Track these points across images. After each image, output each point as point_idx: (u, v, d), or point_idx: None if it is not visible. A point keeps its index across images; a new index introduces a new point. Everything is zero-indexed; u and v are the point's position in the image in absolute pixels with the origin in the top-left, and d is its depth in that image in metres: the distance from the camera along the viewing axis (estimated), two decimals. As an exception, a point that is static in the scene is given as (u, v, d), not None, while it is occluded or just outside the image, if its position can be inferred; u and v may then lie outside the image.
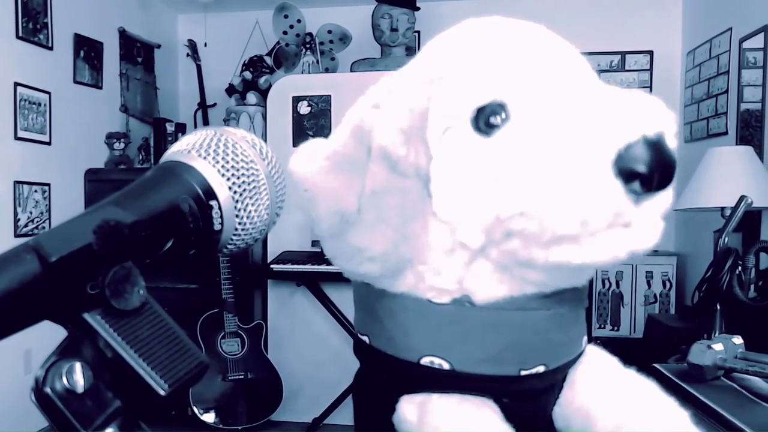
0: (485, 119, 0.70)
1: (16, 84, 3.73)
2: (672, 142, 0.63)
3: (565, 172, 0.63)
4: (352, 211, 0.73)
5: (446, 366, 0.76)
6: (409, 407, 0.78)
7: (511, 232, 0.68)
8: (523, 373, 0.77)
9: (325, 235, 0.77)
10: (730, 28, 3.85)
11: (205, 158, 0.55)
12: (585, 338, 0.86)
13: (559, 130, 0.65)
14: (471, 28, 0.77)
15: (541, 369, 0.78)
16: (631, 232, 0.64)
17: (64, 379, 0.43)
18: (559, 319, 0.79)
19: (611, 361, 0.89)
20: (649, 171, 0.61)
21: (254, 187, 0.56)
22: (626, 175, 0.61)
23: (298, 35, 4.43)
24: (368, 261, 0.74)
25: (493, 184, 0.69)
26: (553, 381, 0.83)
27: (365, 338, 0.84)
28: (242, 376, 3.85)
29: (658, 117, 0.63)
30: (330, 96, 4.04)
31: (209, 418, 3.74)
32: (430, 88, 0.74)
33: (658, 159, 0.61)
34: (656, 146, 0.61)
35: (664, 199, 0.65)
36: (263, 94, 4.50)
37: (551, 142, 0.65)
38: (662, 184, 0.63)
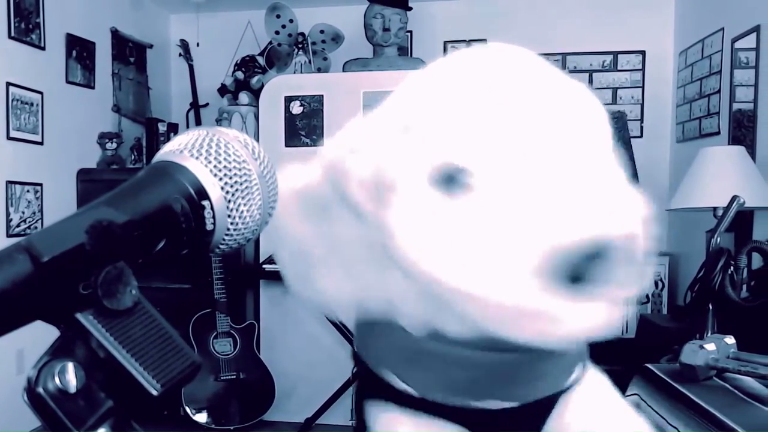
0: (446, 180, 0.67)
1: (8, 84, 3.72)
2: (640, 243, 0.62)
3: (500, 258, 0.62)
4: (319, 257, 0.72)
5: (412, 392, 0.78)
6: (379, 421, 0.80)
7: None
8: (493, 407, 0.78)
9: (291, 279, 0.76)
10: (722, 28, 3.86)
11: (197, 158, 0.54)
12: (578, 368, 0.85)
13: (511, 214, 0.63)
14: (457, 68, 0.73)
15: (515, 404, 0.78)
16: (561, 324, 0.63)
17: (57, 379, 0.43)
18: (533, 360, 0.78)
19: (610, 396, 0.89)
20: (580, 280, 0.60)
21: (246, 187, 0.56)
22: (560, 278, 0.60)
23: (290, 35, 4.42)
24: (336, 308, 0.74)
25: (448, 248, 0.67)
26: (530, 414, 0.82)
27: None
28: (234, 376, 3.85)
29: (619, 222, 0.61)
30: (322, 96, 4.03)
31: (201, 418, 3.74)
32: (398, 140, 0.71)
33: (596, 269, 0.60)
34: (599, 257, 0.60)
35: (621, 287, 0.62)
36: (255, 94, 4.49)
37: (499, 224, 0.63)
38: (601, 285, 0.61)
